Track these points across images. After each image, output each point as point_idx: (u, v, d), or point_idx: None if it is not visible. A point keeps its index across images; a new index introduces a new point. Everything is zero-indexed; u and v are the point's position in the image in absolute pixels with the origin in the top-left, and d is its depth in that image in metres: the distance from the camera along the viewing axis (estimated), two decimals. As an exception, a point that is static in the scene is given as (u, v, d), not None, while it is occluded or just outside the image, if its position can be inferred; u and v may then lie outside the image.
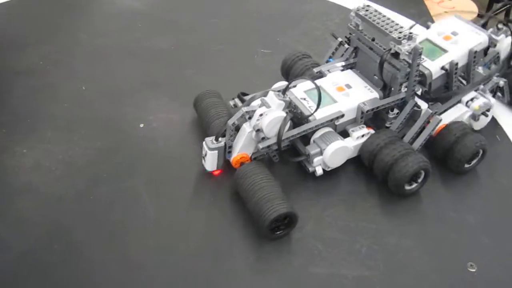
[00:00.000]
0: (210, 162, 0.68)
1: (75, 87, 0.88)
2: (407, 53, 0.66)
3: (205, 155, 0.68)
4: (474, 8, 1.18)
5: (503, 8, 0.79)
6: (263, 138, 0.66)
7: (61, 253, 0.62)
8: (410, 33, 0.65)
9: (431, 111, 0.70)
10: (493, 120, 0.82)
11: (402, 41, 0.65)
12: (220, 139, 0.67)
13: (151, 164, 0.74)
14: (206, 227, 0.66)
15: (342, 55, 0.80)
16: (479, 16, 0.81)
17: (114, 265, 0.61)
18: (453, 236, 0.66)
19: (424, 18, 0.77)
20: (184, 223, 0.66)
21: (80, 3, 1.15)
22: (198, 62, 0.96)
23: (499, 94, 0.81)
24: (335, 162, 0.69)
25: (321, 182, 0.71)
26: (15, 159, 0.74)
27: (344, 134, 0.71)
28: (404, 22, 0.71)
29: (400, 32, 0.65)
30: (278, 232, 0.62)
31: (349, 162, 0.72)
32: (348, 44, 0.79)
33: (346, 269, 0.61)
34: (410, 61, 0.68)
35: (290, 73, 0.83)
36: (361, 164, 0.72)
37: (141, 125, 0.80)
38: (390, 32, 0.66)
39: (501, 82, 0.78)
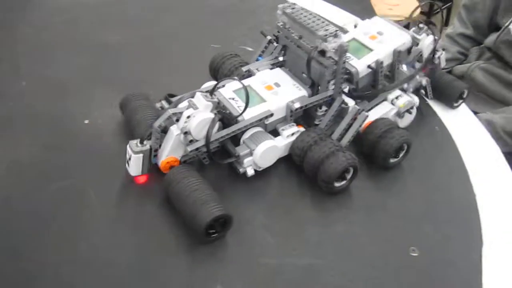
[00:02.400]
0: (135, 166, 0.65)
1: (17, 83, 0.84)
2: (333, 50, 0.66)
3: (130, 159, 0.65)
4: (416, 5, 1.23)
5: (438, 10, 0.81)
6: (191, 141, 0.64)
7: (8, 256, 0.59)
8: (336, 30, 0.66)
9: (358, 108, 0.71)
10: (433, 113, 0.86)
11: (328, 39, 0.65)
12: (145, 142, 0.65)
13: (97, 161, 0.71)
14: (139, 227, 0.64)
15: (272, 53, 0.80)
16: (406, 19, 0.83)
17: (64, 265, 0.58)
18: (396, 223, 0.68)
19: (368, 15, 0.78)
20: (123, 226, 0.64)
21: None
22: (146, 57, 0.94)
23: (422, 91, 0.84)
24: (266, 162, 0.68)
25: (254, 182, 0.70)
26: None
27: (275, 133, 0.71)
28: (347, 17, 0.71)
29: (326, 30, 0.66)
30: (214, 235, 0.61)
31: (280, 161, 0.71)
32: (277, 42, 0.79)
33: (295, 258, 0.61)
34: (336, 59, 0.68)
35: (218, 73, 0.82)
36: (291, 163, 0.72)
37: (86, 121, 0.77)
38: (316, 30, 0.66)
39: (424, 81, 0.81)
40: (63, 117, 0.79)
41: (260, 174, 0.70)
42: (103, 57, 0.93)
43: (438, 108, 0.88)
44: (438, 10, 0.79)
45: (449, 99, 0.86)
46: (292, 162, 0.72)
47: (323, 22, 0.68)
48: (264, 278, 0.60)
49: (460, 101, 0.88)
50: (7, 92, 0.83)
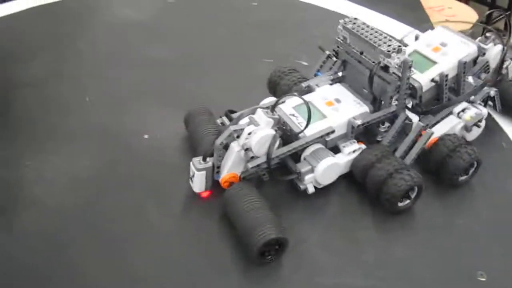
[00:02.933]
0: (198, 183, 0.66)
1: (77, 98, 0.88)
2: (396, 66, 0.65)
3: (193, 176, 0.66)
4: (474, 17, 1.18)
5: (499, 19, 0.78)
6: (253, 157, 0.64)
7: (63, 267, 0.60)
8: (399, 46, 0.64)
9: (422, 124, 0.69)
10: (499, 128, 0.82)
11: (392, 55, 0.64)
12: (207, 159, 0.65)
13: (156, 176, 0.72)
14: (199, 243, 0.64)
15: (331, 68, 0.79)
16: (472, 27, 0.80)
17: (116, 279, 0.59)
18: (461, 245, 0.64)
19: (426, 24, 0.76)
20: (180, 236, 0.65)
21: (78, 14, 1.14)
22: (198, 71, 0.95)
23: (490, 103, 0.80)
24: (327, 179, 0.67)
25: (314, 200, 0.68)
26: (19, 172, 0.72)
27: (335, 149, 0.70)
28: (401, 28, 0.70)
29: (389, 45, 0.64)
30: (268, 257, 0.60)
31: (341, 178, 0.70)
32: (336, 58, 0.78)
33: (352, 278, 0.60)
34: (400, 74, 0.66)
35: (277, 89, 0.82)
36: (352, 180, 0.70)
37: (146, 136, 0.79)
38: (379, 45, 0.65)
39: (492, 92, 0.77)
40: (123, 132, 0.81)
41: (320, 191, 0.69)
42: (156, 73, 0.95)
43: (503, 122, 0.84)
44: (497, 19, 0.75)
45: None
46: (352, 180, 0.70)
47: (385, 37, 0.66)
48: None
49: None
50: (69, 106, 0.86)
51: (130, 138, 0.79)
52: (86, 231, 0.64)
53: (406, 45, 0.78)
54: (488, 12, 0.76)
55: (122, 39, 1.05)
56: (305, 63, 0.97)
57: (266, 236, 0.57)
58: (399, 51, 0.64)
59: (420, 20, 1.08)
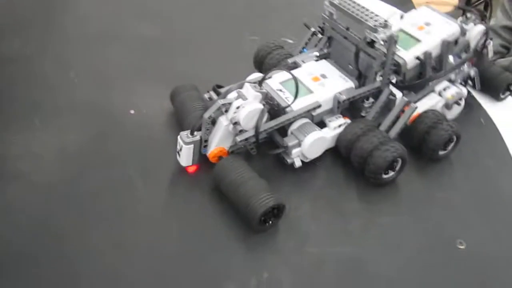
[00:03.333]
0: (186, 156, 0.66)
1: (62, 74, 0.86)
2: (382, 41, 0.66)
3: (180, 149, 0.66)
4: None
5: (480, 1, 0.80)
6: (241, 131, 0.65)
7: (48, 243, 0.60)
8: (386, 21, 0.65)
9: (406, 99, 0.71)
10: (478, 105, 0.85)
11: (378, 29, 0.65)
12: (195, 133, 0.66)
13: (142, 151, 0.72)
14: (190, 217, 0.65)
15: (316, 45, 0.80)
16: (460, 9, 0.82)
17: (106, 254, 0.60)
18: (441, 216, 0.67)
19: (410, 4, 0.77)
20: (171, 211, 0.65)
21: None
22: (185, 48, 0.95)
23: (470, 82, 0.82)
24: (314, 153, 0.68)
25: (301, 174, 0.70)
26: (4, 146, 0.71)
27: (321, 124, 0.71)
28: (384, 8, 0.71)
29: (376, 21, 0.65)
30: (267, 224, 0.62)
31: (326, 153, 0.71)
32: (322, 34, 0.78)
33: (338, 247, 0.62)
34: (385, 50, 0.68)
35: (263, 64, 0.82)
36: (337, 154, 0.72)
37: (132, 112, 0.79)
38: (366, 20, 0.66)
39: (472, 71, 0.80)
40: (109, 108, 0.80)
41: (307, 165, 0.70)
42: (144, 49, 0.95)
43: (482, 100, 0.86)
44: (478, 2, 0.77)
45: (496, 91, 0.84)
46: (338, 154, 0.72)
47: (372, 12, 0.67)
48: (309, 267, 0.60)
49: (507, 93, 0.86)
50: (54, 82, 0.85)
51: (116, 114, 0.79)
52: (73, 206, 0.64)
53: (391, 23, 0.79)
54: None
55: (109, 15, 1.04)
56: (291, 41, 0.97)
57: (266, 203, 0.59)
58: (385, 26, 0.65)
59: (403, 1, 1.09)
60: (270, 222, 0.62)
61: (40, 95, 0.82)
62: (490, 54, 0.84)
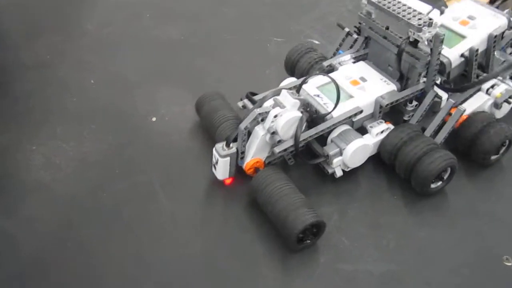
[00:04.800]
0: (222, 170, 0.63)
1: (84, 80, 0.85)
2: (427, 40, 0.62)
3: (216, 162, 0.63)
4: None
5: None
6: (279, 141, 0.61)
7: (74, 252, 0.59)
8: (430, 19, 0.61)
9: (453, 101, 0.66)
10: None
11: (423, 28, 0.60)
12: (231, 144, 0.62)
13: (165, 159, 0.70)
14: (222, 231, 0.62)
15: (351, 46, 0.76)
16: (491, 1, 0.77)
17: (128, 263, 0.58)
18: (485, 229, 0.62)
19: (440, 2, 0.72)
20: (200, 224, 0.62)
21: None
22: (209, 51, 0.92)
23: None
24: (356, 161, 0.64)
25: (341, 183, 0.66)
26: (25, 156, 0.70)
27: (361, 130, 0.67)
28: (417, 5, 0.66)
29: (420, 19, 0.61)
30: (305, 242, 0.58)
31: (367, 160, 0.67)
32: (358, 34, 0.74)
33: (372, 264, 0.58)
34: (428, 50, 0.63)
35: (295, 68, 0.78)
36: (379, 161, 0.68)
37: (153, 119, 0.77)
38: (409, 19, 0.61)
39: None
40: (130, 114, 0.78)
41: (347, 174, 0.66)
42: (166, 53, 0.92)
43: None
44: None
45: None
46: (379, 161, 0.68)
47: (414, 10, 0.63)
48: (341, 284, 0.56)
49: None
50: (75, 89, 0.83)
51: (137, 121, 0.77)
52: (95, 217, 0.62)
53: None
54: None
55: (131, 19, 1.01)
56: (317, 42, 0.94)
57: (304, 220, 0.55)
58: (430, 24, 0.60)
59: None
60: (308, 241, 0.58)
61: (61, 103, 0.80)
62: None
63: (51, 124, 0.76)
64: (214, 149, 0.62)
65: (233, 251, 0.59)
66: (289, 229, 0.56)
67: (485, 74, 0.71)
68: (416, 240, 0.61)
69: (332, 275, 0.57)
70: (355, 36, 0.75)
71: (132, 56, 0.91)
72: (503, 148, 0.68)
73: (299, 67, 0.77)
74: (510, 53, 0.76)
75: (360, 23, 0.72)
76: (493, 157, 0.67)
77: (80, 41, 0.95)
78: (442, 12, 0.75)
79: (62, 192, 0.65)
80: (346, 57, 0.73)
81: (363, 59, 0.73)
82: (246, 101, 0.67)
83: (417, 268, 0.58)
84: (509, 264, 0.58)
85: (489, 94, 0.71)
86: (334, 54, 0.78)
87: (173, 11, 1.04)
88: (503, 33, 0.74)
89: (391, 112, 0.69)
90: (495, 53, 0.73)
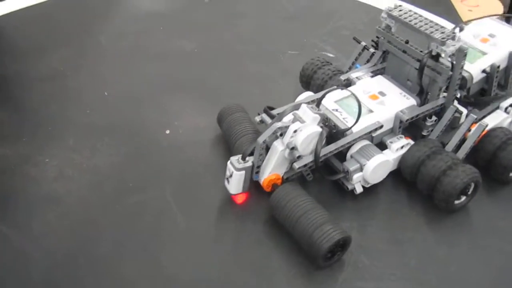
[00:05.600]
0: (236, 184, 0.61)
1: (97, 92, 0.84)
2: (450, 54, 0.60)
3: (231, 175, 0.61)
4: (498, 5, 1.13)
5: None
6: (298, 157, 0.60)
7: (88, 267, 0.57)
8: (454, 32, 0.60)
9: (475, 116, 0.65)
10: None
11: (447, 42, 0.59)
12: (247, 158, 0.61)
13: (179, 173, 0.69)
14: (239, 248, 0.60)
15: (368, 60, 0.75)
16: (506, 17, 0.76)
17: (144, 279, 0.56)
18: (508, 247, 0.60)
19: (461, 24, 0.71)
20: (215, 240, 0.61)
21: (98, 6, 1.10)
22: (222, 64, 0.91)
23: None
24: (376, 177, 0.63)
25: (361, 200, 0.64)
26: (38, 169, 0.69)
27: (380, 145, 0.65)
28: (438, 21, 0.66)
29: (443, 33, 0.60)
30: (334, 257, 0.56)
31: (388, 176, 0.65)
32: (375, 48, 0.73)
33: (394, 283, 0.56)
34: (451, 64, 0.62)
35: (311, 82, 0.77)
36: (399, 177, 0.66)
37: (167, 132, 0.75)
38: (431, 32, 0.60)
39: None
40: (144, 127, 0.77)
41: (367, 190, 0.64)
42: (179, 65, 0.91)
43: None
44: None
45: None
46: (400, 177, 0.66)
47: (436, 24, 0.62)
48: None
49: None
50: (89, 100, 0.82)
51: (151, 134, 0.75)
52: (108, 232, 0.61)
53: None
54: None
55: (145, 32, 1.01)
56: (331, 55, 0.93)
57: (332, 237, 0.54)
58: (453, 38, 0.59)
59: (447, 10, 1.04)
60: (337, 255, 0.56)
61: (75, 114, 0.79)
62: None
63: (64, 136, 0.74)
64: (229, 162, 0.61)
65: (249, 268, 0.57)
66: (316, 247, 0.54)
67: (503, 93, 0.70)
68: (438, 258, 0.59)
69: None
70: (371, 50, 0.74)
71: (146, 68, 0.90)
72: (524, 165, 0.66)
73: (314, 80, 0.76)
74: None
75: (378, 37, 0.71)
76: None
77: (94, 54, 0.94)
78: (461, 29, 0.74)
79: (75, 205, 0.64)
80: (364, 71, 0.72)
81: (381, 73, 0.72)
82: (264, 115, 0.65)
83: (440, 287, 0.56)
84: None
85: (507, 113, 0.70)
86: (350, 68, 0.77)
87: (187, 23, 1.04)
88: None
89: (409, 127, 0.68)
90: None
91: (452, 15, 1.06)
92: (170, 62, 0.91)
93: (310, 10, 1.09)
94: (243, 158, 0.60)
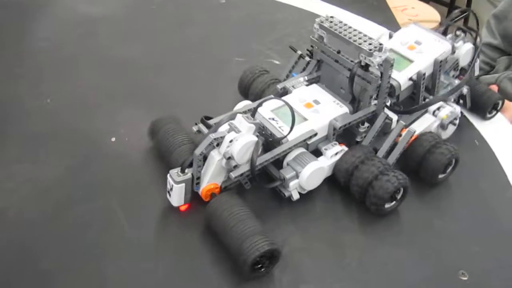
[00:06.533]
0: (177, 196, 0.61)
1: (39, 100, 0.81)
2: (377, 64, 0.63)
3: (171, 189, 0.61)
4: (436, 16, 1.19)
5: (461, 16, 0.79)
6: (235, 166, 0.61)
7: (32, 282, 0.55)
8: (381, 44, 0.62)
9: (404, 123, 0.68)
10: (471, 126, 0.83)
11: (374, 53, 0.62)
12: (186, 170, 0.61)
13: (125, 181, 0.68)
14: (183, 257, 0.60)
15: (304, 68, 0.77)
16: (440, 24, 0.80)
17: None
18: (441, 245, 0.64)
19: (392, 24, 0.74)
20: (161, 249, 0.60)
21: (33, 10, 1.05)
22: (169, 71, 0.90)
23: (461, 101, 0.80)
24: (312, 184, 0.65)
25: (298, 205, 0.66)
26: None
27: (315, 152, 0.67)
28: (372, 28, 0.69)
29: (370, 44, 0.62)
30: (261, 270, 0.57)
31: (322, 182, 0.67)
32: (310, 57, 0.75)
33: (337, 284, 0.58)
34: (379, 73, 0.65)
35: (249, 91, 0.78)
36: (334, 183, 0.68)
37: (113, 139, 0.74)
38: (359, 43, 0.63)
39: (465, 89, 0.78)
40: (89, 135, 0.75)
41: (303, 196, 0.66)
42: (124, 72, 0.89)
43: (474, 120, 0.84)
44: (457, 18, 0.76)
45: (483, 110, 0.83)
46: (334, 182, 0.68)
47: (364, 35, 0.64)
48: None
49: (494, 112, 0.84)
50: (29, 108, 0.79)
51: (96, 142, 0.74)
52: (54, 243, 0.59)
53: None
54: (458, 11, 0.77)
55: (87, 37, 0.98)
56: (277, 62, 0.94)
57: (258, 248, 0.54)
58: (380, 49, 0.62)
59: (388, 20, 1.09)
60: (263, 269, 0.57)
61: (14, 123, 0.76)
62: (476, 71, 0.83)
63: (4, 147, 0.71)
64: (168, 175, 0.61)
65: (194, 276, 0.58)
66: (243, 257, 0.54)
67: (431, 97, 0.74)
68: (377, 258, 0.61)
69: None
70: (307, 59, 0.76)
71: (90, 75, 0.88)
72: (450, 167, 0.70)
73: (252, 89, 0.77)
74: (453, 76, 0.79)
75: (312, 46, 0.73)
76: (441, 176, 0.70)
77: (35, 59, 0.91)
78: (390, 37, 0.78)
79: (18, 218, 0.62)
80: (299, 80, 0.73)
81: (316, 82, 0.74)
82: (201, 125, 0.66)
83: (379, 286, 0.58)
84: (465, 278, 0.60)
85: (435, 116, 0.74)
86: (287, 77, 0.78)
87: (132, 29, 1.02)
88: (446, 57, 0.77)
89: (344, 134, 0.70)
90: (441, 77, 0.77)
91: (391, 23, 1.10)
92: (115, 68, 0.90)
93: (257, 17, 1.11)
94: (182, 171, 0.61)
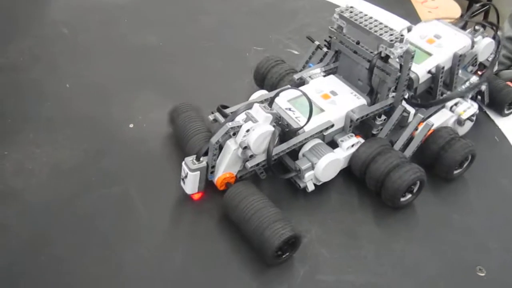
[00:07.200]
0: (191, 184, 0.61)
1: (59, 85, 0.81)
2: (398, 56, 0.62)
3: (186, 176, 0.61)
4: (457, 8, 1.17)
5: (481, 9, 0.77)
6: (251, 156, 0.60)
7: (47, 266, 0.55)
8: (402, 35, 0.61)
9: (422, 116, 0.67)
10: (491, 122, 0.82)
11: (395, 44, 0.61)
12: (201, 158, 0.61)
13: (142, 167, 0.68)
14: (200, 244, 0.60)
15: (321, 59, 0.76)
16: (461, 17, 0.79)
17: (105, 278, 0.55)
18: (458, 240, 0.63)
19: (413, 17, 0.73)
20: (179, 234, 0.61)
21: None
22: (187, 59, 0.90)
23: (479, 97, 0.79)
24: (328, 175, 0.64)
25: (312, 197, 0.66)
26: None
27: (332, 144, 0.67)
28: (391, 20, 0.68)
29: (391, 35, 0.62)
30: (283, 256, 0.57)
31: (339, 173, 0.67)
32: (328, 48, 0.74)
33: (354, 274, 0.58)
34: (399, 65, 0.64)
35: (265, 81, 0.78)
36: (350, 175, 0.68)
37: (131, 126, 0.74)
38: (381, 34, 0.62)
39: (483, 86, 0.77)
40: (107, 120, 0.75)
41: (318, 187, 0.66)
42: (142, 59, 0.90)
43: (494, 116, 0.83)
44: (477, 12, 0.75)
45: (500, 106, 0.81)
46: (350, 174, 0.68)
47: (385, 26, 0.63)
48: None
49: None
50: (48, 92, 0.80)
51: (114, 128, 0.74)
52: (69, 227, 0.60)
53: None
54: (478, 5, 0.76)
55: (107, 24, 0.98)
56: (296, 52, 0.94)
57: (282, 234, 0.54)
58: (401, 40, 0.61)
59: (408, 12, 1.07)
60: (287, 254, 0.57)
61: (35, 107, 0.77)
62: (495, 67, 0.81)
63: (24, 129, 0.72)
64: (183, 162, 0.60)
65: (211, 264, 0.58)
66: (266, 245, 0.55)
67: (449, 92, 0.73)
68: (394, 251, 0.61)
69: (312, 287, 0.56)
70: (325, 49, 0.75)
71: (109, 61, 0.88)
72: (466, 163, 0.69)
73: (268, 79, 0.77)
74: (471, 71, 0.78)
75: (330, 37, 0.73)
76: (456, 172, 0.69)
77: (55, 45, 0.91)
78: (409, 30, 0.77)
79: (35, 200, 0.62)
80: (316, 70, 0.73)
81: (333, 73, 0.73)
82: (217, 114, 0.65)
83: (395, 279, 0.58)
84: (482, 274, 0.59)
85: (452, 111, 0.73)
86: (304, 67, 0.78)
87: (151, 17, 1.02)
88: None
89: (360, 126, 0.69)
90: (459, 71, 0.76)
91: (411, 16, 1.08)
92: (134, 56, 0.90)
93: (275, 7, 1.09)
94: (197, 159, 0.60)
